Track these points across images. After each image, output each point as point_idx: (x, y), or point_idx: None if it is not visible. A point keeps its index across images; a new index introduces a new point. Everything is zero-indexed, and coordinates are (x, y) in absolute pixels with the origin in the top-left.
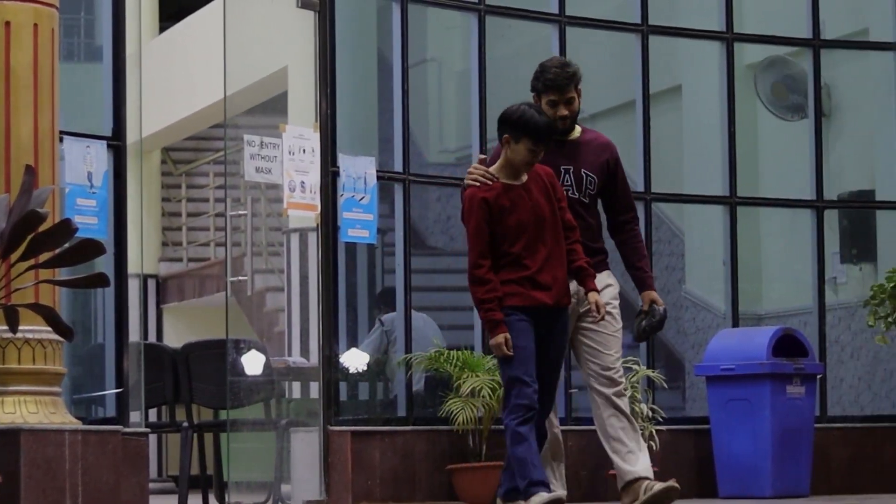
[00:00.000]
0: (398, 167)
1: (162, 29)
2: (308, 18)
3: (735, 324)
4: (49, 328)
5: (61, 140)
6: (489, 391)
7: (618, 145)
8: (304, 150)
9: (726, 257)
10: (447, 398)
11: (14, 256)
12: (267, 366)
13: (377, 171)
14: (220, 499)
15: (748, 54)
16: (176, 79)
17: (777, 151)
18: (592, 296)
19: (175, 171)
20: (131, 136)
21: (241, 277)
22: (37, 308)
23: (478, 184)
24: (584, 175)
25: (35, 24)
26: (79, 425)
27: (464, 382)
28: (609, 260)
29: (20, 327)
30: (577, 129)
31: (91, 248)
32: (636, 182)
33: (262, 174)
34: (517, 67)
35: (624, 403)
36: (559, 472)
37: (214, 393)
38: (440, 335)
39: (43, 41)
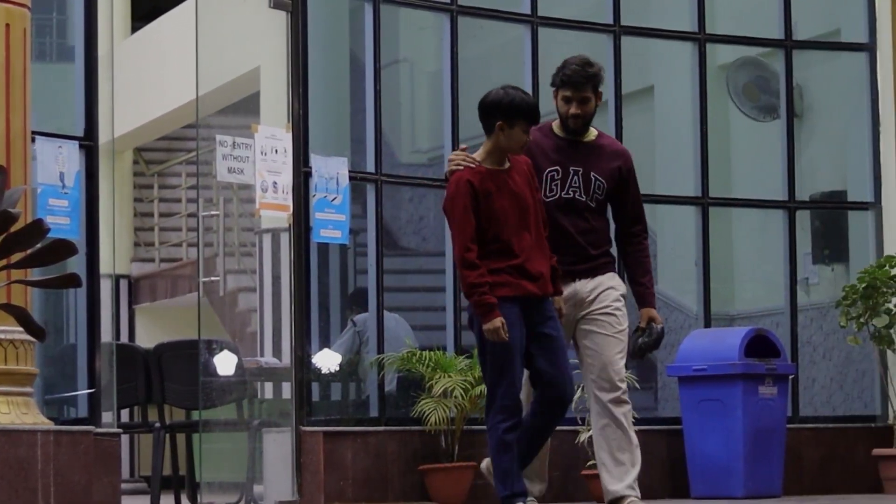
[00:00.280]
0: (370, 167)
1: (134, 29)
2: (280, 19)
3: (707, 324)
4: (21, 328)
5: (33, 140)
6: (461, 392)
7: None
8: (276, 151)
9: (698, 258)
10: (419, 398)
11: None
12: (239, 366)
13: (349, 172)
14: (193, 499)
15: (720, 55)
16: (148, 79)
17: (749, 152)
18: (557, 300)
19: (147, 172)
20: (103, 137)
21: (213, 278)
22: (8, 308)
23: (461, 167)
24: (593, 178)
25: (7, 25)
26: (51, 426)
27: (436, 383)
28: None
29: None
30: (594, 131)
31: (63, 249)
32: None
33: (235, 174)
34: (489, 68)
35: (621, 412)
36: (545, 458)
37: (187, 393)
38: (412, 336)
39: (15, 41)
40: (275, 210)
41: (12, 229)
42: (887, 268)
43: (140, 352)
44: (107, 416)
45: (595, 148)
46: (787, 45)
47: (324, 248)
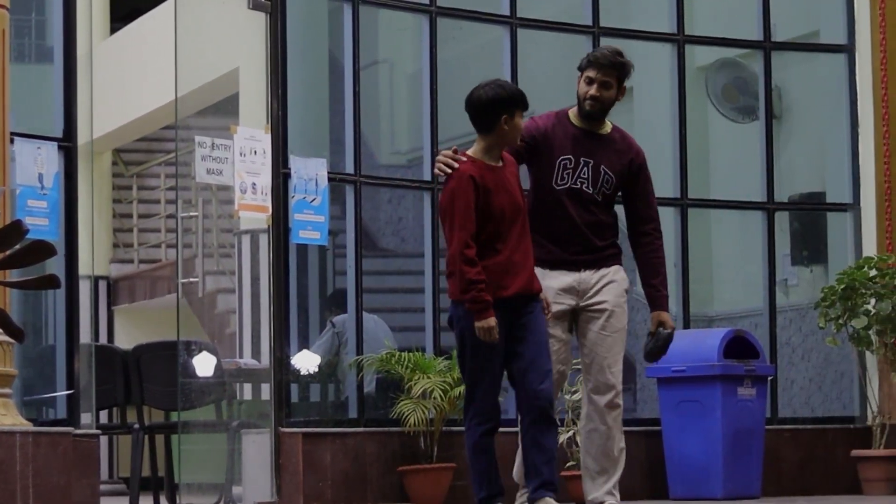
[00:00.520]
0: (349, 169)
1: (113, 30)
2: (259, 20)
3: (686, 325)
4: None
5: (12, 141)
6: (440, 393)
7: None
8: (255, 152)
9: (677, 259)
10: (398, 400)
11: None
12: (218, 367)
13: (328, 173)
14: (172, 500)
15: (699, 56)
16: (127, 80)
17: (728, 153)
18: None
19: (126, 173)
20: (82, 138)
21: (192, 279)
22: None
23: (450, 170)
24: (602, 172)
25: None
26: (29, 427)
27: (415, 384)
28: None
29: None
30: (608, 124)
31: (42, 250)
32: None
33: (214, 175)
34: (468, 69)
35: (612, 417)
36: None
37: (165, 394)
38: (391, 337)
39: None
40: (254, 211)
41: None
42: (866, 269)
43: (119, 353)
44: (86, 418)
45: (608, 141)
46: (766, 46)
47: (303, 249)
